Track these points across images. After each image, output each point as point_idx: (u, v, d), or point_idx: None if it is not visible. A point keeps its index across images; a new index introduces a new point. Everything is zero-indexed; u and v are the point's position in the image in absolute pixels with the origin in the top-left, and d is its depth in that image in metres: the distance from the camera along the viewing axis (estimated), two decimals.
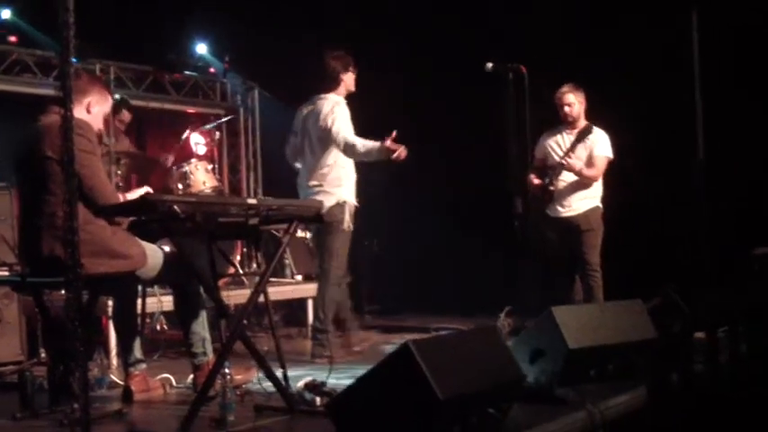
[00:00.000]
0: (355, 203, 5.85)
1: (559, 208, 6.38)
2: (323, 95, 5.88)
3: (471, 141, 7.69)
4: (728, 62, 6.82)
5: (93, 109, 4.47)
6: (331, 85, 5.89)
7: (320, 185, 5.79)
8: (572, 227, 6.35)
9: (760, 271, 5.60)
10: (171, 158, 7.76)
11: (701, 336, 2.66)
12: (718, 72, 6.66)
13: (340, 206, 5.74)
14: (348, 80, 5.93)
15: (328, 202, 5.65)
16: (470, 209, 7.92)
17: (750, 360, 2.78)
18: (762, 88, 6.76)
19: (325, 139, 5.76)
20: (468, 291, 7.40)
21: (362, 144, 5.63)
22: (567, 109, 6.36)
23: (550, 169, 6.41)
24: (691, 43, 6.38)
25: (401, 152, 5.50)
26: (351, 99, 5.98)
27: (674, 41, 6.68)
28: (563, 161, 6.27)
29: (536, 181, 6.38)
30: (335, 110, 5.77)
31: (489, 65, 5.95)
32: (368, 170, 6.03)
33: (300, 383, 4.24)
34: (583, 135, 6.36)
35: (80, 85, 4.44)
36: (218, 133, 8.77)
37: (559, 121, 6.47)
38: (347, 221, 5.73)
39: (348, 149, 5.66)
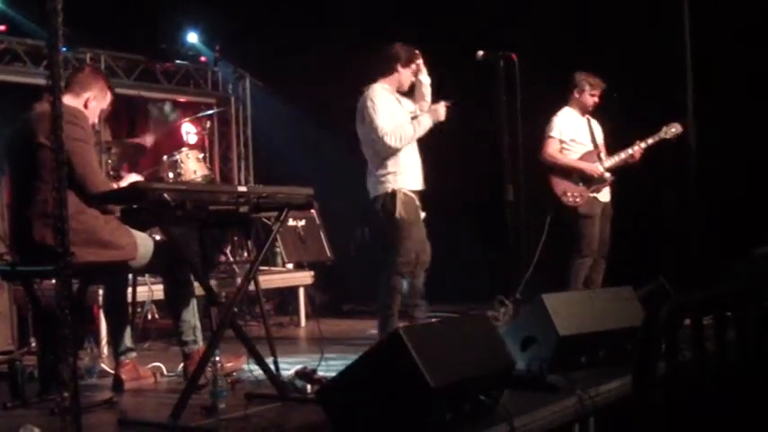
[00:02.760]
0: (416, 189, 5.77)
1: (605, 193, 6.53)
2: (365, 87, 5.78)
3: (463, 129, 7.66)
4: (721, 61, 6.82)
5: (90, 104, 4.48)
6: (384, 70, 5.83)
7: (375, 175, 5.72)
8: (606, 212, 6.55)
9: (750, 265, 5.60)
10: (149, 139, 7.84)
11: (687, 323, 2.68)
12: (712, 67, 6.65)
13: (390, 195, 5.65)
14: (403, 75, 5.84)
15: (378, 191, 5.66)
16: (463, 196, 7.91)
17: (738, 348, 2.79)
18: (757, 87, 6.77)
19: (365, 136, 5.73)
20: (461, 278, 7.39)
21: (406, 131, 5.62)
22: (596, 100, 6.49)
23: (594, 154, 6.48)
24: (682, 36, 6.37)
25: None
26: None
27: (668, 35, 6.65)
28: (633, 154, 6.38)
29: (598, 167, 6.40)
30: (369, 105, 5.66)
31: (480, 53, 5.93)
32: None
33: (291, 371, 4.26)
34: (590, 122, 6.59)
35: (81, 79, 4.45)
36: (209, 122, 8.76)
37: (564, 104, 6.57)
38: (399, 209, 5.62)
39: (394, 146, 5.61)
